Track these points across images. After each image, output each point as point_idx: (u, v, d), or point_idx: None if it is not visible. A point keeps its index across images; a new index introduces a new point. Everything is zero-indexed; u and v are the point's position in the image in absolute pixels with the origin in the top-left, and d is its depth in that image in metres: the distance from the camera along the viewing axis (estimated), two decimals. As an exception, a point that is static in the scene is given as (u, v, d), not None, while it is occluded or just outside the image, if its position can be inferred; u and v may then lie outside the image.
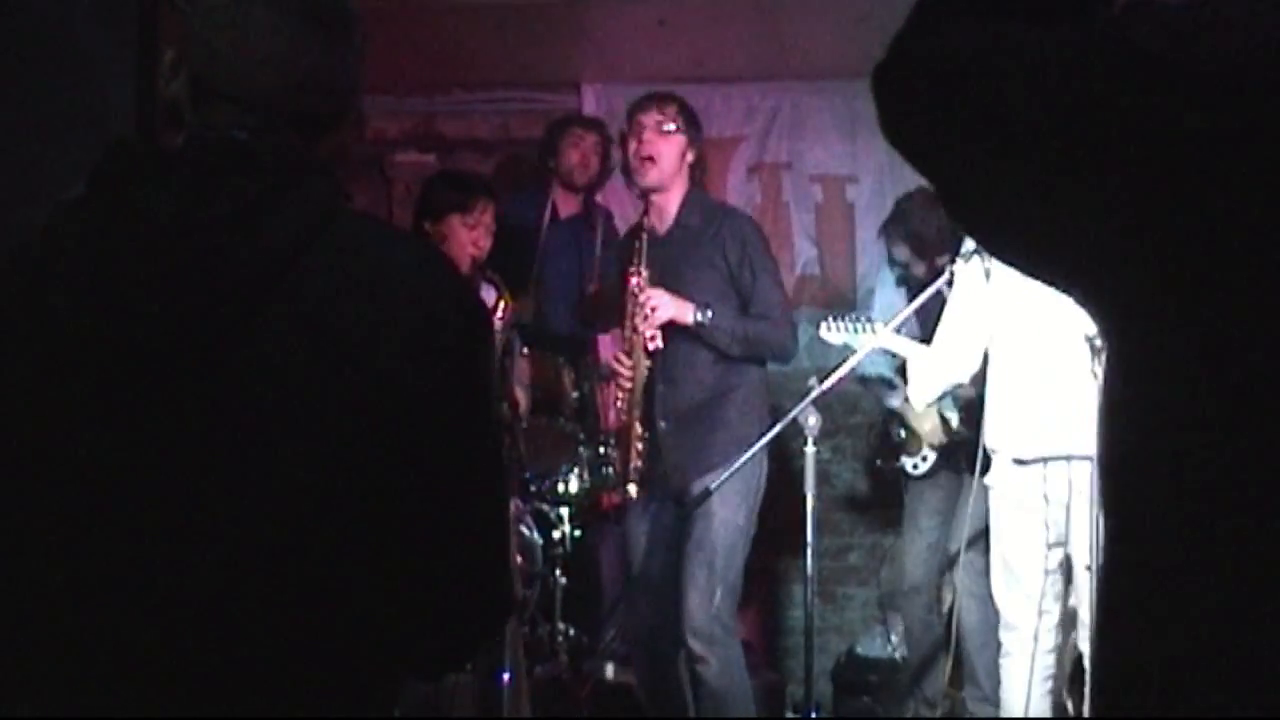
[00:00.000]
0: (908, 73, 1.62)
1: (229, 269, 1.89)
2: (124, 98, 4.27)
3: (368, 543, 1.93)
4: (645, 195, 5.75)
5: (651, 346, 5.58)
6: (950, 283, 5.38)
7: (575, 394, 6.91)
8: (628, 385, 5.60)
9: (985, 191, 1.53)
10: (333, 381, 1.90)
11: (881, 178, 7.88)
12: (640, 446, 5.62)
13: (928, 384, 5.53)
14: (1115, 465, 1.48)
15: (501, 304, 5.61)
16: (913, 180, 7.58)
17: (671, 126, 5.69)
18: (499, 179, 7.82)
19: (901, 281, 6.63)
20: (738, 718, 5.64)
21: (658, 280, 5.59)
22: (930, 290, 5.42)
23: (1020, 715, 5.12)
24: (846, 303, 7.61)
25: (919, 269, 6.44)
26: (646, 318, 5.54)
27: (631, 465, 5.63)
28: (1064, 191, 1.42)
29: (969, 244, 5.34)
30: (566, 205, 7.42)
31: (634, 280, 5.58)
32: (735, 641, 5.68)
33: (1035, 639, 5.11)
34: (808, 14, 7.16)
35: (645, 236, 5.63)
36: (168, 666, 1.87)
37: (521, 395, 5.91)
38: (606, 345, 7.96)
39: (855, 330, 5.78)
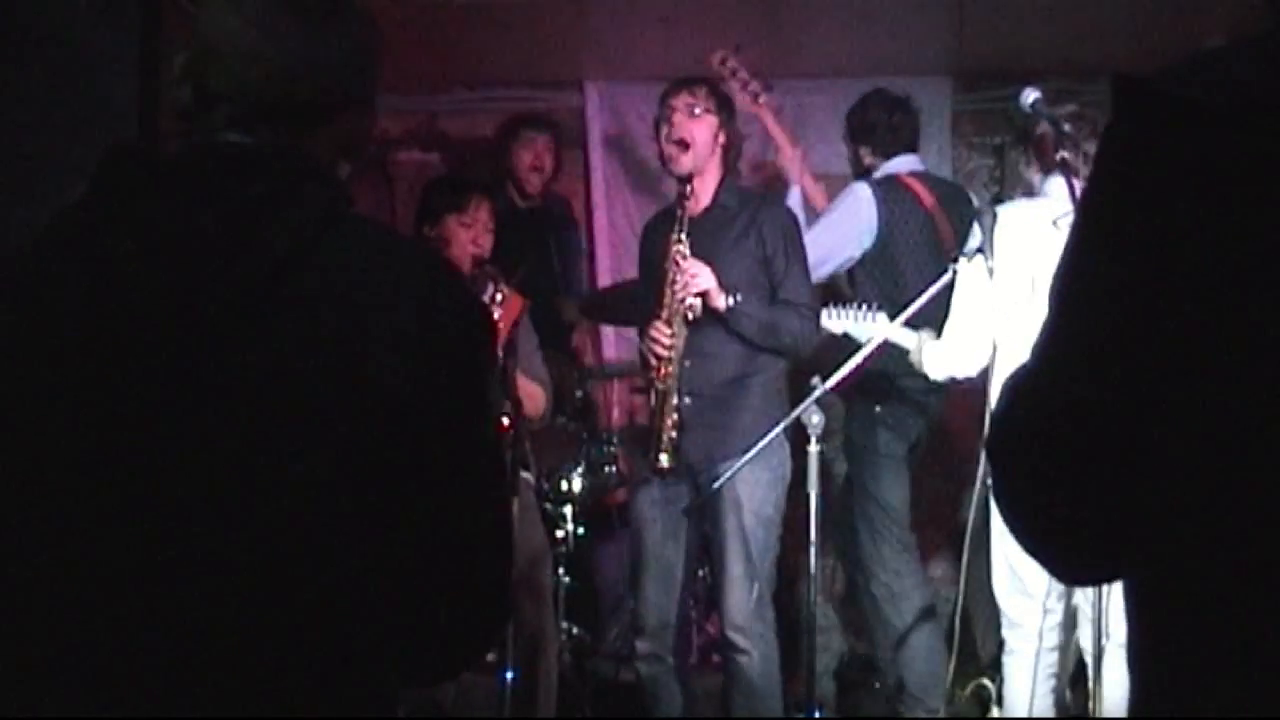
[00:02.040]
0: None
1: (229, 273, 1.89)
2: (126, 97, 4.28)
3: (367, 547, 1.92)
4: (681, 180, 5.77)
5: (690, 316, 5.59)
6: (954, 279, 5.37)
7: (579, 393, 6.92)
8: (666, 354, 5.58)
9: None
10: (333, 385, 1.89)
11: (884, 176, 7.87)
12: (675, 417, 5.61)
13: (939, 373, 5.49)
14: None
15: (501, 300, 5.60)
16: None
17: (701, 109, 5.74)
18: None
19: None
20: (735, 718, 5.67)
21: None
22: (937, 286, 5.41)
23: (1024, 715, 5.10)
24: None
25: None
26: (686, 285, 5.56)
27: (666, 435, 5.61)
28: None
29: (972, 242, 5.34)
30: (525, 201, 7.46)
31: (676, 249, 5.59)
32: (774, 635, 5.72)
33: (1039, 637, 5.10)
34: (810, 12, 7.16)
35: (686, 206, 5.65)
36: (167, 668, 1.87)
37: (538, 391, 5.86)
38: (611, 342, 7.97)
39: (856, 319, 5.74)
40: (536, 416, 5.85)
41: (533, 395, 5.76)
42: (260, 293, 1.90)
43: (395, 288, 1.96)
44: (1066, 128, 4.85)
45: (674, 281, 5.58)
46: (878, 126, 6.74)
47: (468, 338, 2.02)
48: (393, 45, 2.20)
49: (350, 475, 1.90)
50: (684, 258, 5.58)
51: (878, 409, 6.40)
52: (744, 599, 5.58)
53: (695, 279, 5.56)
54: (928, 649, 6.36)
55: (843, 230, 6.42)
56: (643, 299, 5.88)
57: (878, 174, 6.61)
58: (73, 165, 3.98)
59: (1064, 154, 4.78)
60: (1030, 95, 4.90)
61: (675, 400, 5.62)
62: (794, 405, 5.50)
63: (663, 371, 5.61)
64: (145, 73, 4.31)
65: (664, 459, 5.61)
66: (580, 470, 6.68)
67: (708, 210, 5.75)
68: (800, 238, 5.90)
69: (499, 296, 5.58)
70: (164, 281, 1.89)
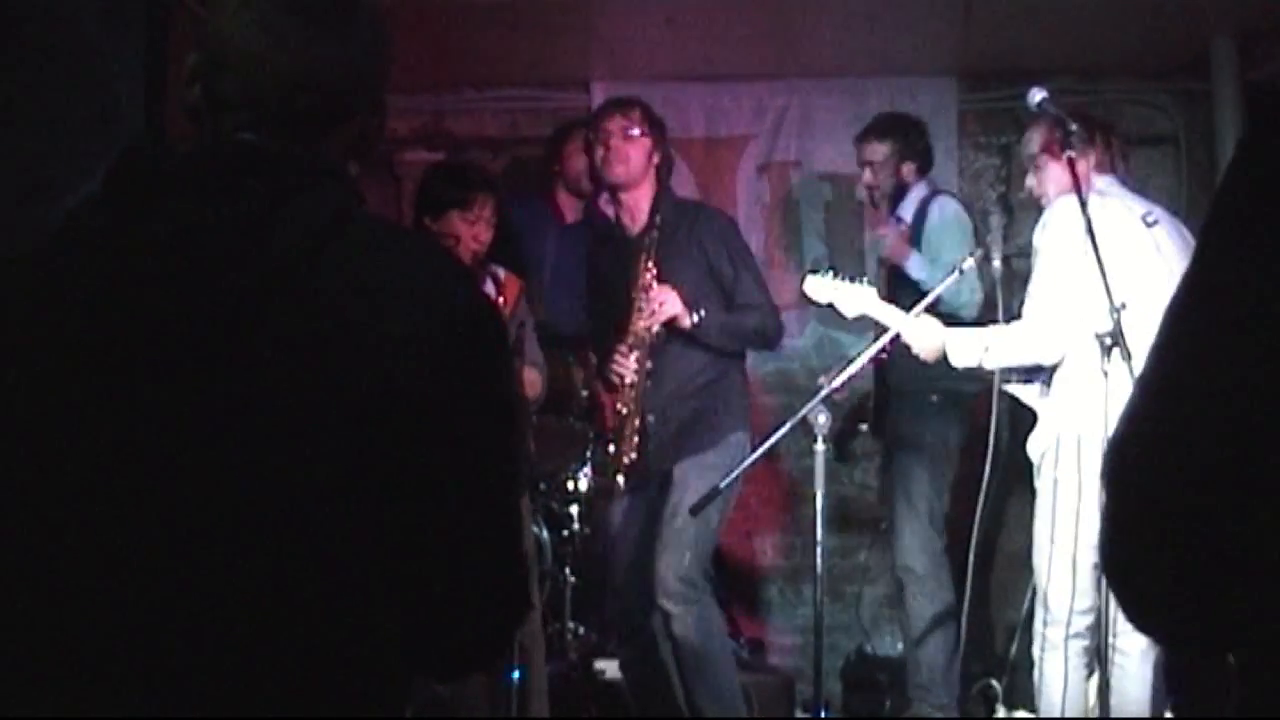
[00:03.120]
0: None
1: (240, 273, 1.90)
2: (133, 98, 4.28)
3: (380, 543, 1.93)
4: (615, 195, 5.90)
5: (651, 340, 5.66)
6: (964, 273, 5.37)
7: (585, 392, 6.92)
8: (632, 380, 5.63)
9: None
10: (345, 383, 1.90)
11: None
12: (636, 440, 5.70)
13: (1014, 360, 5.42)
14: None
15: (502, 292, 5.63)
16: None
17: (636, 131, 5.83)
18: (505, 182, 7.87)
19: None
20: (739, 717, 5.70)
21: (635, 277, 5.69)
22: (946, 282, 5.40)
23: (1058, 714, 5.08)
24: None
25: None
26: (654, 313, 5.62)
27: (626, 457, 5.71)
28: None
29: (997, 237, 5.33)
30: (570, 210, 7.45)
31: (646, 274, 5.64)
32: (710, 599, 5.77)
33: (1077, 636, 5.08)
34: (817, 12, 7.16)
35: (656, 234, 5.68)
36: (177, 665, 1.87)
37: (537, 377, 5.88)
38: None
39: (840, 289, 5.66)
40: (533, 401, 5.88)
41: (529, 380, 5.79)
42: (272, 291, 1.90)
43: (407, 286, 1.97)
44: (1073, 127, 4.84)
45: (640, 308, 5.63)
46: None
47: (480, 336, 2.02)
48: (400, 45, 2.20)
49: (363, 473, 1.90)
50: (649, 287, 5.65)
51: (933, 399, 6.42)
52: (673, 566, 5.63)
53: (664, 305, 5.63)
54: (943, 643, 6.37)
55: None
56: (597, 319, 6.00)
57: None
58: (80, 165, 4.00)
59: (1071, 153, 4.78)
60: (1037, 95, 4.90)
61: (637, 422, 5.71)
62: (787, 409, 5.53)
63: (625, 395, 5.65)
64: (152, 73, 4.31)
65: (621, 480, 5.74)
66: (586, 470, 6.69)
67: (646, 228, 5.79)
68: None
69: (500, 278, 5.64)
70: (176, 280, 1.90)
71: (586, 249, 6.27)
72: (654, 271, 5.64)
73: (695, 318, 5.63)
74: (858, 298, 5.59)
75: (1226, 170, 1.46)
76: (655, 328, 5.64)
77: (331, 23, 2.06)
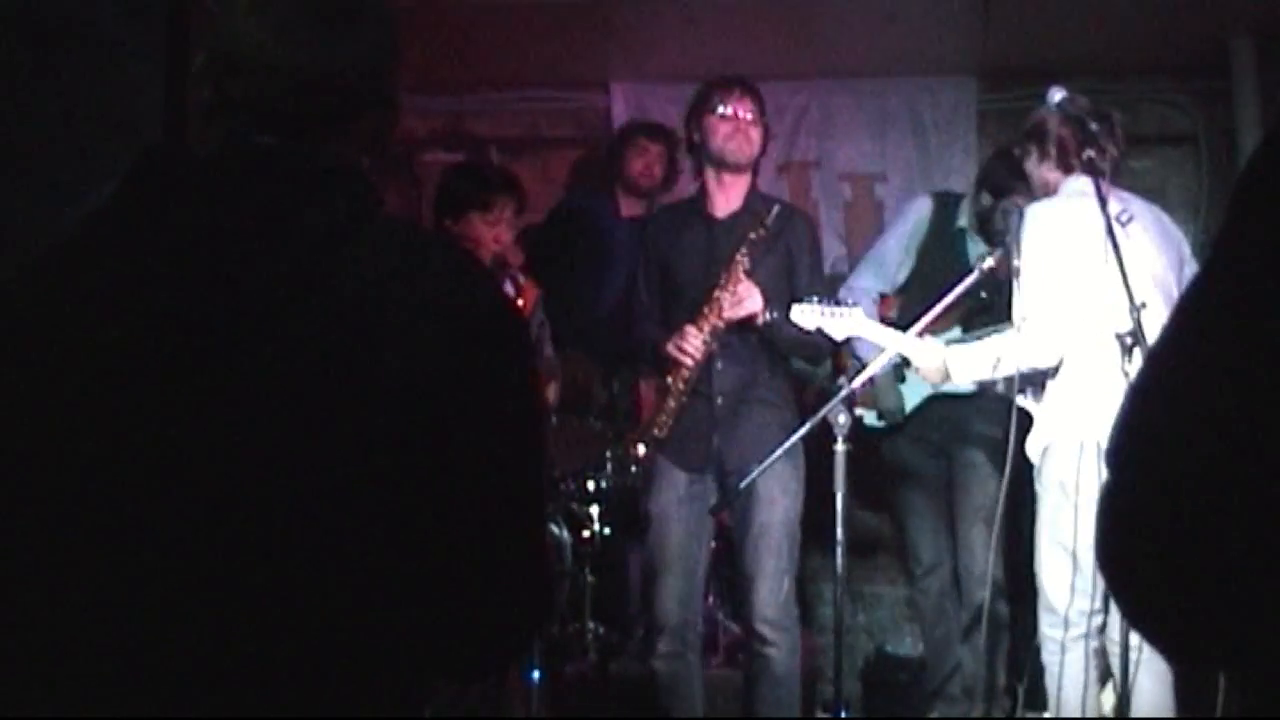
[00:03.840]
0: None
1: (260, 274, 1.90)
2: (152, 98, 4.29)
3: (402, 543, 1.93)
4: (719, 175, 5.86)
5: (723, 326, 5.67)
6: (976, 280, 5.35)
7: (605, 392, 6.92)
8: (692, 363, 5.63)
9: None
10: (365, 384, 1.90)
11: (910, 175, 7.89)
12: (669, 418, 5.71)
13: (1019, 365, 5.40)
14: None
15: (521, 297, 5.64)
16: (941, 179, 7.63)
17: (755, 116, 5.87)
18: (573, 173, 8.09)
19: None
20: (771, 717, 5.71)
21: (720, 261, 5.68)
22: (960, 289, 5.39)
23: (1077, 715, 5.06)
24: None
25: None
26: (737, 304, 5.64)
27: (657, 428, 5.72)
28: None
29: (1017, 237, 5.31)
30: (630, 207, 7.48)
31: (739, 267, 5.65)
32: (798, 629, 5.83)
33: (1087, 636, 5.07)
34: (836, 12, 7.16)
35: (750, 220, 5.70)
36: (195, 663, 1.87)
37: (550, 384, 5.90)
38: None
39: (829, 314, 5.68)
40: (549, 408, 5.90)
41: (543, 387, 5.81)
42: (292, 293, 1.90)
43: (428, 287, 1.97)
44: (1092, 126, 4.83)
45: (720, 297, 5.62)
46: None
47: (502, 336, 2.02)
48: (419, 46, 2.21)
49: (385, 474, 1.90)
50: (739, 279, 5.63)
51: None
52: (775, 593, 5.68)
53: (746, 300, 5.63)
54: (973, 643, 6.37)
55: None
56: (654, 294, 5.96)
57: None
58: (99, 164, 4.01)
59: (1089, 153, 4.77)
60: (1056, 94, 4.89)
61: (676, 402, 5.70)
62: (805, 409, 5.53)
63: (680, 373, 5.64)
64: (172, 72, 4.32)
65: (642, 449, 5.74)
66: (607, 470, 6.68)
67: (737, 214, 5.79)
68: (819, 246, 6.05)
69: (520, 281, 5.65)
70: (195, 282, 1.90)
71: (658, 219, 6.24)
72: (747, 263, 5.63)
73: (770, 316, 5.64)
74: (845, 321, 5.59)
75: (1245, 168, 1.42)
76: (729, 316, 5.63)
77: (341, 21, 2.06)
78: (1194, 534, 1.34)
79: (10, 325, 2.00)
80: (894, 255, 6.61)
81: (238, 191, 1.96)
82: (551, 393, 5.90)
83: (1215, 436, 1.34)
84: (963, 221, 6.64)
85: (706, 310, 5.63)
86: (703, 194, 5.92)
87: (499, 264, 5.69)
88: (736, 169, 5.83)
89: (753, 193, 5.88)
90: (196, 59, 2.09)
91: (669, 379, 5.69)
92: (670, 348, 5.67)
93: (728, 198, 5.85)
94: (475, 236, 5.66)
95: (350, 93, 2.08)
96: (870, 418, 6.55)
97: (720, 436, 5.72)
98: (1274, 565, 1.32)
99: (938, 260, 6.57)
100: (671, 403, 5.69)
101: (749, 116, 5.82)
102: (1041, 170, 5.33)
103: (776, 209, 5.67)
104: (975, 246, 6.55)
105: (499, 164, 7.49)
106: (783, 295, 5.71)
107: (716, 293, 5.63)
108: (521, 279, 5.72)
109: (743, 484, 5.38)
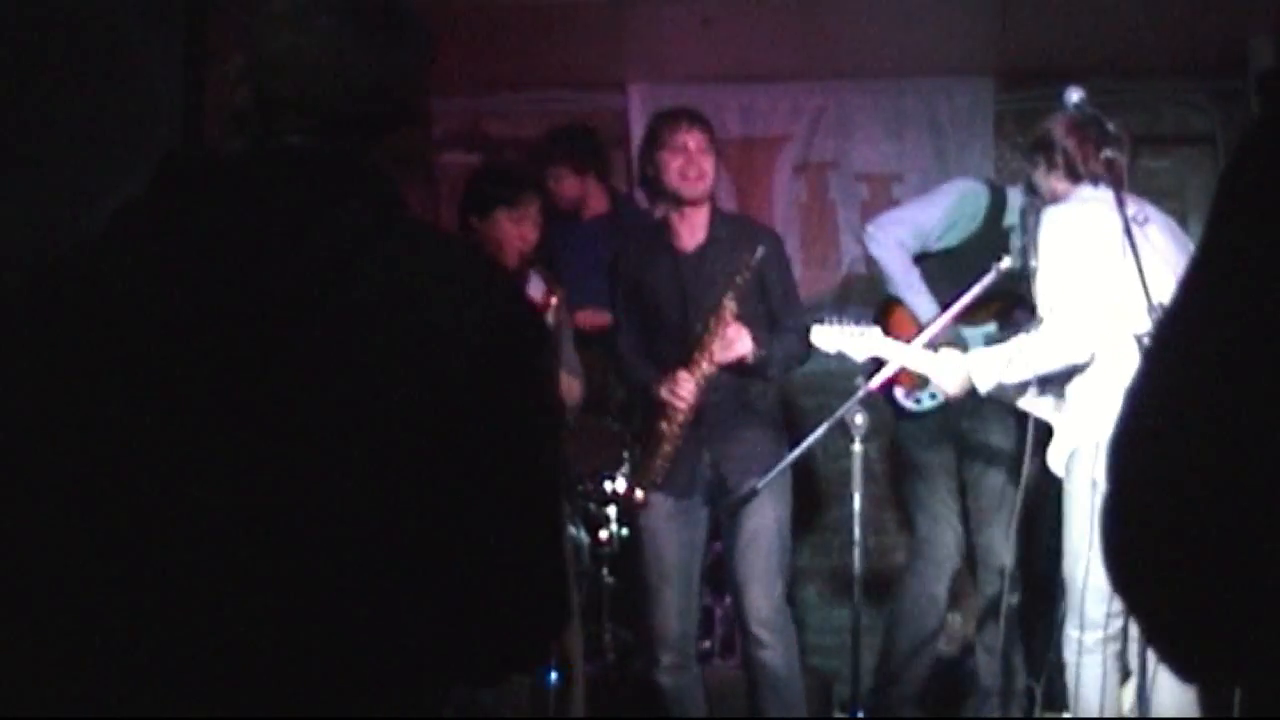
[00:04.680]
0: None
1: (285, 275, 1.90)
2: (171, 101, 4.30)
3: (419, 546, 1.93)
4: (678, 209, 5.87)
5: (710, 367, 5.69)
6: (992, 281, 5.35)
7: (622, 392, 6.91)
8: (683, 410, 5.64)
9: None
10: (387, 385, 1.90)
11: (927, 176, 7.87)
12: (671, 460, 5.73)
13: (1050, 365, 5.38)
14: None
15: (552, 297, 5.64)
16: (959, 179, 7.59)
17: (708, 144, 5.85)
18: None
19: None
20: (792, 717, 5.72)
21: (693, 295, 5.73)
22: (974, 292, 5.39)
23: (1096, 716, 5.05)
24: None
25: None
26: (728, 348, 5.67)
27: (656, 471, 5.75)
28: None
29: (1034, 237, 5.30)
30: (597, 203, 7.46)
31: (727, 311, 5.66)
32: (793, 629, 5.90)
33: (1108, 639, 5.06)
34: (853, 12, 7.15)
35: (746, 272, 5.68)
36: (215, 663, 1.88)
37: (575, 383, 5.89)
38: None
39: (848, 335, 5.68)
40: (572, 407, 5.89)
41: (568, 386, 5.80)
42: (317, 294, 1.91)
43: (449, 289, 1.97)
44: (1110, 127, 4.82)
45: (710, 341, 5.65)
46: None
47: (522, 339, 2.02)
48: (437, 47, 2.21)
49: (404, 475, 1.90)
50: (728, 323, 5.65)
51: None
52: (768, 595, 5.74)
53: (736, 343, 5.66)
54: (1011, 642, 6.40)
55: None
56: (636, 330, 5.99)
57: None
58: (119, 167, 4.02)
59: (1108, 153, 4.76)
60: (1074, 94, 4.88)
61: (671, 446, 5.72)
62: (825, 409, 5.52)
63: (675, 418, 5.66)
64: (190, 74, 4.33)
65: (639, 495, 5.77)
66: (624, 471, 6.68)
67: (703, 247, 5.82)
68: (786, 257, 6.13)
69: (546, 293, 5.63)
70: (220, 282, 1.91)
71: (626, 253, 6.20)
72: (734, 306, 5.63)
73: (762, 352, 5.69)
74: (864, 341, 5.61)
75: (1233, 155, 1.41)
76: (718, 362, 5.66)
77: (384, 28, 2.07)
78: (1198, 535, 1.31)
79: (39, 322, 2.00)
80: (936, 230, 6.55)
81: (264, 192, 1.97)
82: (576, 391, 5.89)
83: (1214, 433, 1.31)
84: (1012, 219, 6.62)
85: (697, 355, 5.65)
86: (666, 227, 5.94)
87: (526, 264, 5.69)
88: (694, 204, 5.84)
89: (716, 220, 5.87)
90: (233, 61, 2.10)
91: (662, 424, 5.71)
92: (664, 393, 5.68)
93: (692, 229, 5.86)
94: (502, 235, 5.65)
95: (394, 98, 2.09)
96: (926, 398, 6.46)
97: (713, 453, 5.77)
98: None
99: (983, 253, 6.56)
100: (667, 447, 5.71)
101: (698, 146, 5.81)
102: (1050, 181, 5.32)
103: (760, 252, 5.66)
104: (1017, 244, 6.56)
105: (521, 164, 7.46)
106: (759, 317, 5.77)
107: (706, 337, 5.65)
108: (547, 280, 5.73)
109: (758, 485, 5.39)
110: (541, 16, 7.06)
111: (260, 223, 1.93)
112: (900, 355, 5.59)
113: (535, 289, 5.70)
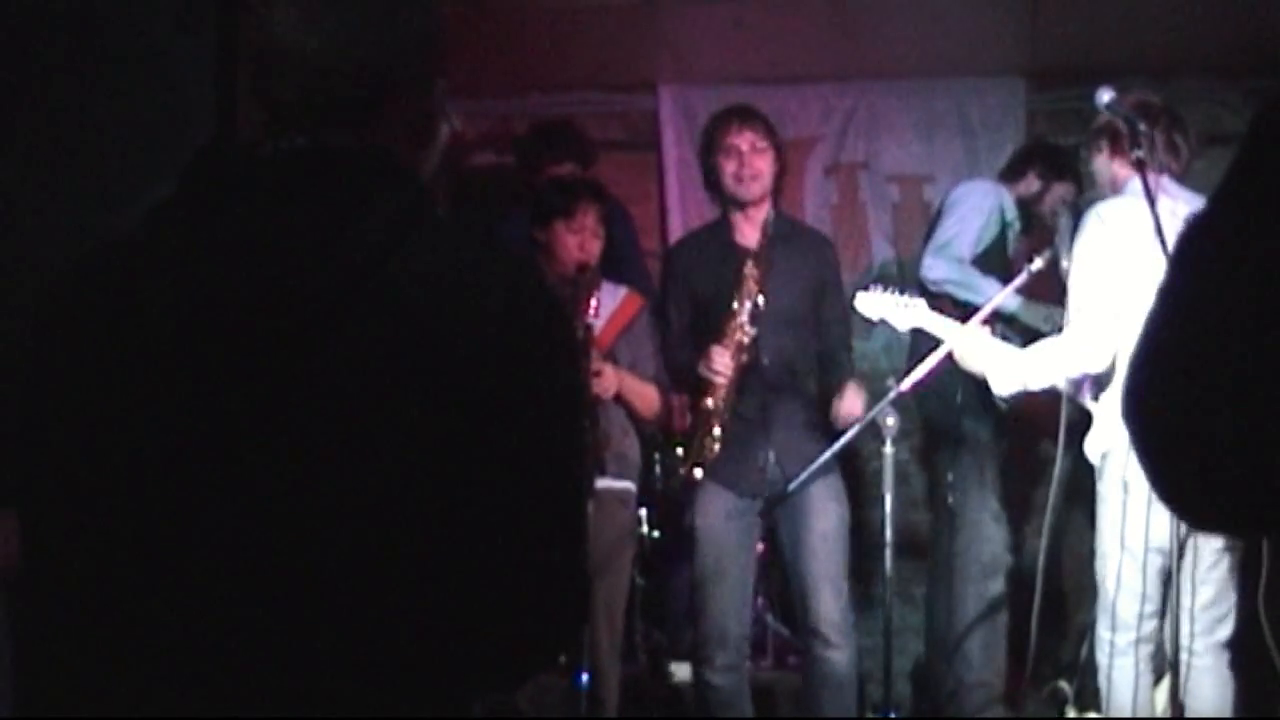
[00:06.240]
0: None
1: (315, 275, 1.91)
2: (204, 101, 4.32)
3: (442, 548, 1.93)
4: (738, 209, 5.92)
5: (746, 343, 5.72)
6: (1029, 278, 5.36)
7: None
8: (724, 380, 5.66)
9: None
10: (415, 384, 1.90)
11: (958, 177, 7.84)
12: (718, 435, 5.74)
13: (1067, 372, 5.39)
14: None
15: (629, 303, 5.68)
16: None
17: (765, 144, 5.87)
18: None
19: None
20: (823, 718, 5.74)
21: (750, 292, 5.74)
22: (1015, 283, 5.39)
23: (1128, 716, 5.04)
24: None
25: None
26: (846, 418, 5.72)
27: (708, 449, 5.76)
28: None
29: (1066, 238, 5.30)
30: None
31: (752, 283, 5.71)
32: (854, 634, 5.90)
33: (1140, 640, 5.05)
34: (884, 14, 7.15)
35: (768, 247, 5.76)
36: (237, 664, 1.88)
37: (651, 391, 5.85)
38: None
39: (894, 305, 5.69)
40: (650, 418, 5.86)
41: (645, 396, 5.78)
42: (347, 293, 1.91)
43: (477, 290, 1.96)
44: (1142, 126, 4.81)
45: (740, 314, 5.69)
46: None
47: (548, 339, 2.02)
48: (467, 49, 2.21)
49: (428, 475, 1.91)
50: (755, 284, 5.71)
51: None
52: (837, 598, 5.75)
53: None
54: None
55: None
56: (685, 322, 6.02)
57: None
58: (152, 168, 4.04)
59: (1139, 153, 4.75)
60: (1105, 94, 4.87)
61: (718, 421, 5.74)
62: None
63: (717, 392, 5.67)
64: (222, 76, 4.35)
65: (698, 473, 5.78)
66: (656, 473, 6.69)
67: (762, 244, 5.81)
68: (838, 263, 6.21)
69: (624, 297, 5.66)
70: (252, 282, 1.91)
71: (684, 248, 6.29)
72: (757, 274, 5.69)
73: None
74: (909, 312, 5.61)
75: (1252, 121, 1.44)
76: (750, 331, 5.69)
77: (369, 7, 2.06)
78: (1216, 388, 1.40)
79: (73, 321, 2.01)
80: (969, 250, 6.57)
81: (294, 192, 1.97)
82: (655, 402, 5.86)
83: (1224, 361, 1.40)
84: (1010, 215, 6.64)
85: (729, 327, 5.68)
86: (727, 223, 5.98)
87: (593, 275, 5.66)
88: (753, 204, 5.87)
89: (775, 219, 5.87)
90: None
91: (707, 400, 5.72)
92: (702, 369, 5.71)
93: (753, 226, 5.87)
94: (560, 245, 5.64)
95: (377, 77, 2.07)
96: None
97: (776, 451, 5.78)
98: None
99: (995, 251, 6.58)
100: (714, 421, 5.72)
101: (754, 146, 5.85)
102: (1113, 166, 5.32)
103: (780, 223, 5.79)
104: (1015, 239, 6.59)
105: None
106: (804, 312, 5.85)
107: (735, 309, 5.70)
108: (623, 292, 5.75)
109: (792, 486, 5.40)
110: (572, 18, 7.07)
111: (293, 221, 1.94)
112: (940, 328, 5.58)
113: (613, 295, 5.72)
